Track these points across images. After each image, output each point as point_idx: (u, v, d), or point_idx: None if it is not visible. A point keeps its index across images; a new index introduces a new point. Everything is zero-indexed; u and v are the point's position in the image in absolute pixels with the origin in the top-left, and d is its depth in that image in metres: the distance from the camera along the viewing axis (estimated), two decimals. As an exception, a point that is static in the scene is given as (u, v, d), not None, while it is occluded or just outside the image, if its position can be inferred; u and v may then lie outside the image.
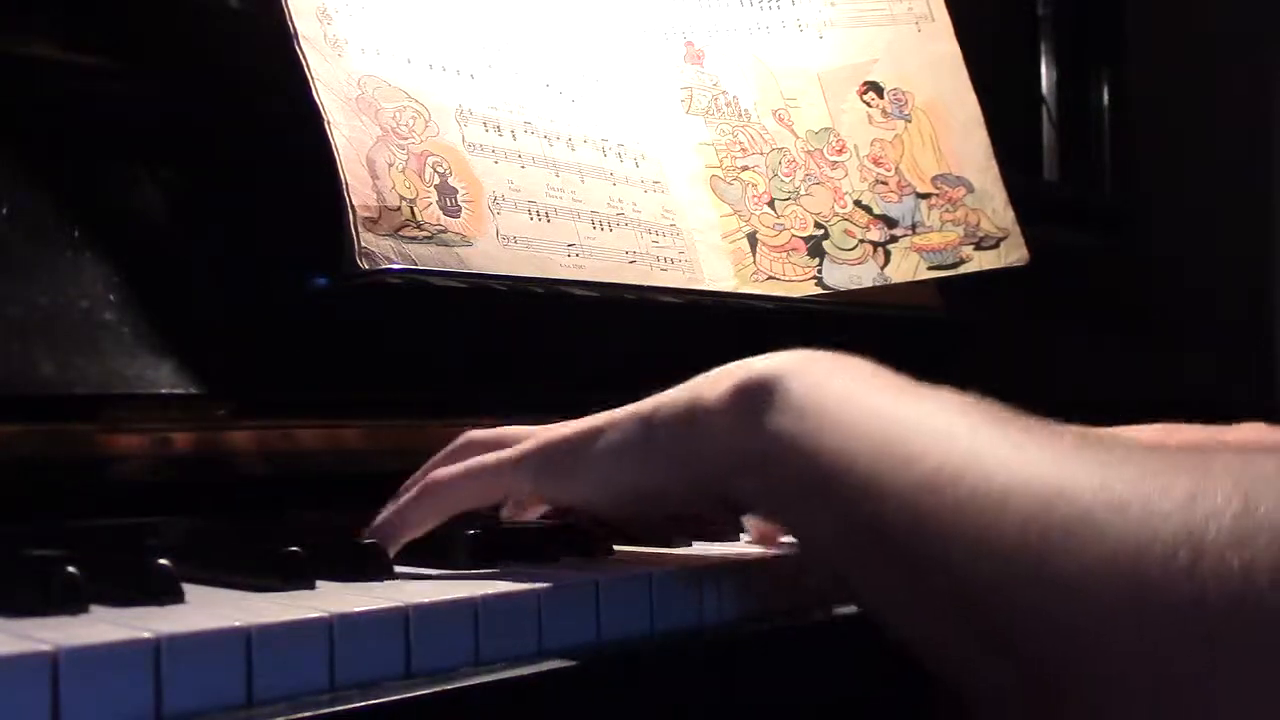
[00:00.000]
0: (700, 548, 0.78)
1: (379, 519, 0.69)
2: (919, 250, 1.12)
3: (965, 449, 0.51)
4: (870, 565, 0.54)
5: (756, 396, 0.58)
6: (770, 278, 1.05)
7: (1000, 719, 0.50)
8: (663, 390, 0.66)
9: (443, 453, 0.73)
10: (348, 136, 0.83)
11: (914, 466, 0.52)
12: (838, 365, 0.60)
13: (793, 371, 0.58)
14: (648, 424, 0.63)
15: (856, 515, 0.53)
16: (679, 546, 0.77)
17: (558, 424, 0.69)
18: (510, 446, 0.69)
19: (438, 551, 0.69)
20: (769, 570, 0.72)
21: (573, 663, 0.59)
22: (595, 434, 0.65)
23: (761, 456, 0.58)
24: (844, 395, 0.57)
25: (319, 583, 0.61)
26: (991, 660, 0.49)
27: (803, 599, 0.70)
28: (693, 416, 0.61)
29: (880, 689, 0.68)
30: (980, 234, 1.16)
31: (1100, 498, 0.47)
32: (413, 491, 0.68)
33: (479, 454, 0.69)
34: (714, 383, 0.61)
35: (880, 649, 0.57)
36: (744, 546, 0.78)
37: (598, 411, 0.68)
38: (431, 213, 0.85)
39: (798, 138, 1.12)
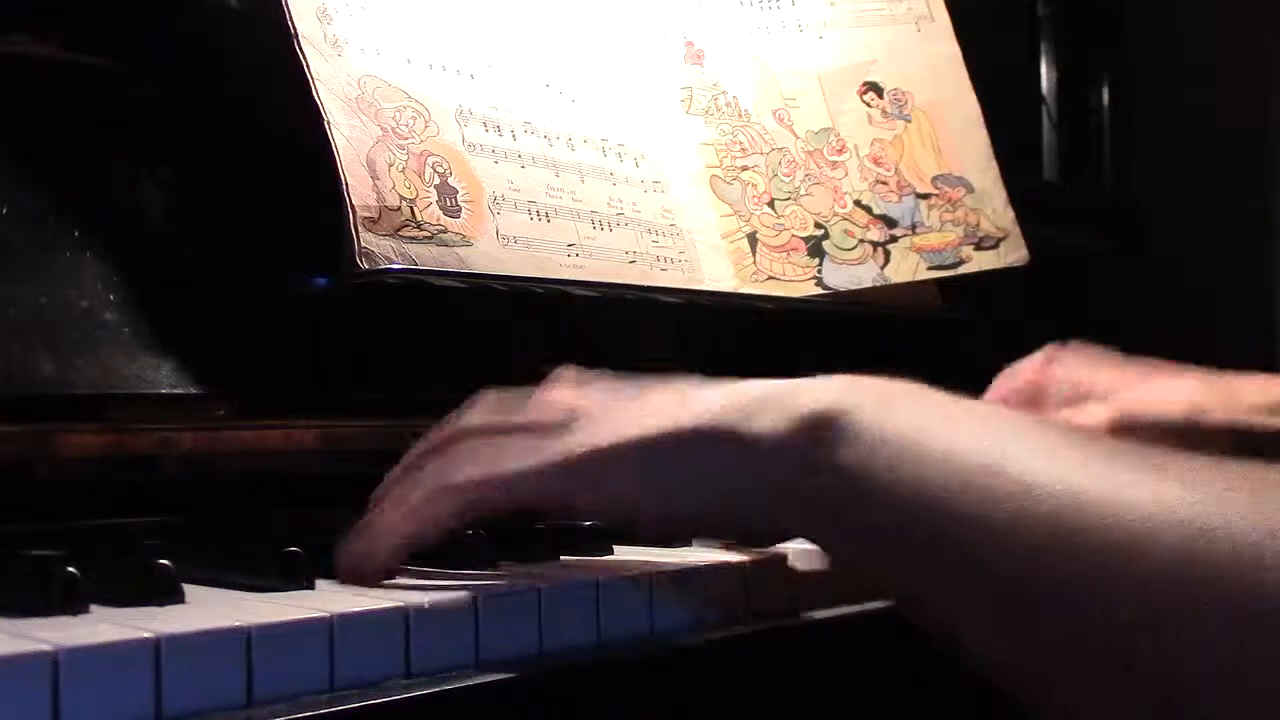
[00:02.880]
0: (699, 544, 0.78)
1: (377, 523, 0.64)
2: (919, 250, 1.12)
3: (1077, 481, 0.50)
4: (965, 601, 0.52)
5: (817, 429, 0.56)
6: (770, 278, 1.05)
7: None
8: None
9: (428, 444, 0.67)
10: (348, 136, 0.83)
11: (1022, 502, 0.50)
12: (899, 392, 0.57)
13: (856, 402, 0.56)
14: (687, 449, 0.60)
15: (952, 554, 0.52)
16: (678, 546, 0.77)
17: (579, 413, 0.64)
18: (509, 433, 0.64)
19: (438, 551, 0.69)
20: (770, 571, 0.72)
21: (572, 662, 0.59)
22: (624, 450, 0.61)
23: (828, 494, 0.56)
24: (918, 427, 0.54)
25: (319, 583, 0.61)
26: (1116, 687, 0.48)
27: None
28: (739, 447, 0.58)
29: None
30: (980, 234, 1.16)
31: (1264, 526, 0.46)
32: (424, 492, 0.63)
33: (478, 446, 0.64)
34: (759, 409, 0.58)
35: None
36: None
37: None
38: (431, 213, 0.85)
39: (798, 138, 1.12)
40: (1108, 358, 0.90)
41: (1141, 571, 0.47)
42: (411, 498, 0.64)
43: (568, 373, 0.68)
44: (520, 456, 0.63)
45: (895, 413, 0.55)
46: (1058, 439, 0.53)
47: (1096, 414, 0.84)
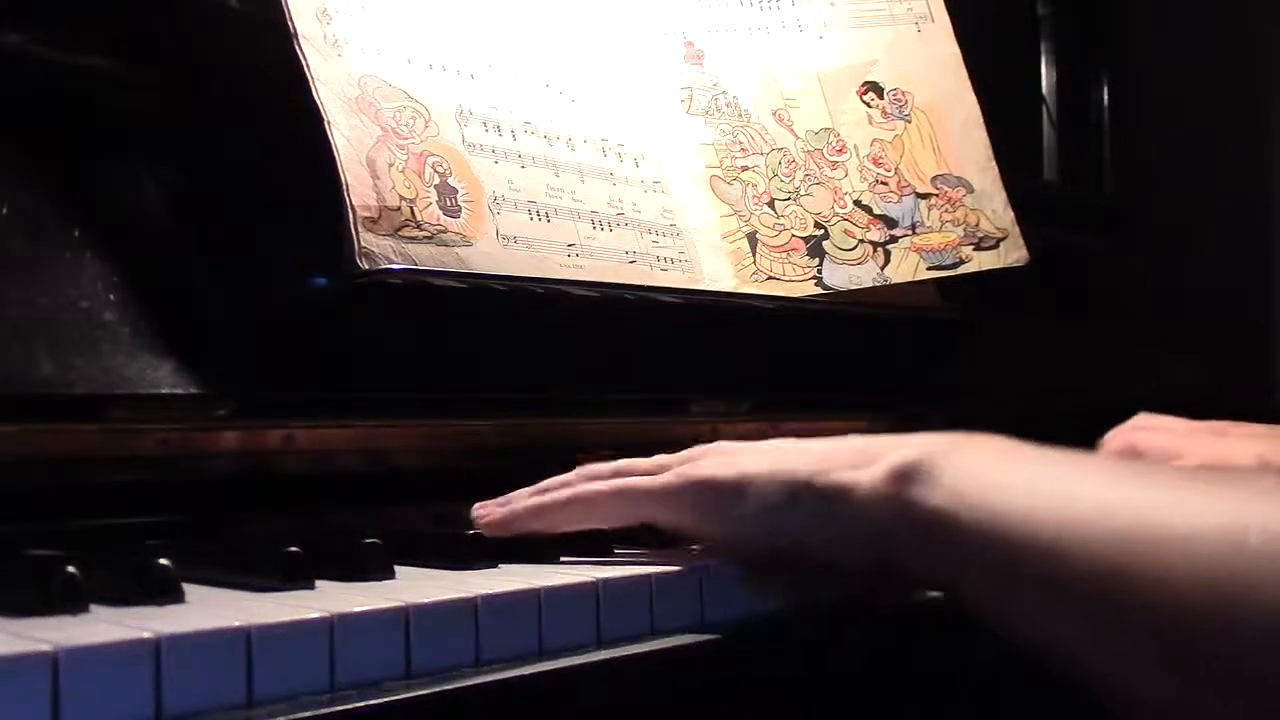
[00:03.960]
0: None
1: (519, 504, 0.74)
2: (919, 250, 1.12)
3: (1152, 503, 0.55)
4: (1059, 623, 0.57)
5: (906, 474, 0.63)
6: (770, 278, 1.05)
7: None
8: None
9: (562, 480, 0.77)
10: (348, 136, 0.83)
11: (1105, 525, 0.55)
12: (981, 441, 0.64)
13: (940, 451, 0.63)
14: (795, 494, 0.67)
15: (1041, 580, 0.57)
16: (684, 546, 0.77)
17: (701, 454, 0.73)
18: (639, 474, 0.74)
19: (438, 551, 0.70)
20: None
21: (572, 662, 0.59)
22: (742, 487, 0.69)
23: (916, 533, 0.62)
24: (999, 468, 0.61)
25: (319, 583, 0.61)
26: (1214, 697, 0.52)
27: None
28: (844, 495, 0.65)
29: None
30: (980, 234, 1.16)
31: None
32: (564, 495, 0.74)
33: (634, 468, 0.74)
34: (858, 460, 0.66)
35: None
36: None
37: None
38: (431, 213, 0.85)
39: (798, 138, 1.12)
40: (1184, 423, 1.01)
41: (1229, 578, 0.51)
42: (552, 497, 0.74)
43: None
44: (646, 479, 0.73)
45: (976, 457, 0.62)
46: (1123, 467, 0.61)
47: None
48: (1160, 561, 0.52)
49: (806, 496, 0.67)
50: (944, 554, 0.61)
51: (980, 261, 1.15)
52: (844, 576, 0.72)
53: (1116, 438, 1.00)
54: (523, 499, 0.75)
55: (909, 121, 1.17)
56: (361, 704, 0.50)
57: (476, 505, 0.76)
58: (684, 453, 0.75)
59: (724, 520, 0.70)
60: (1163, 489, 0.56)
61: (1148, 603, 0.52)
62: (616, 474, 0.74)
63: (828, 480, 0.66)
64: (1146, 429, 1.00)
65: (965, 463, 0.62)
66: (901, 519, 0.62)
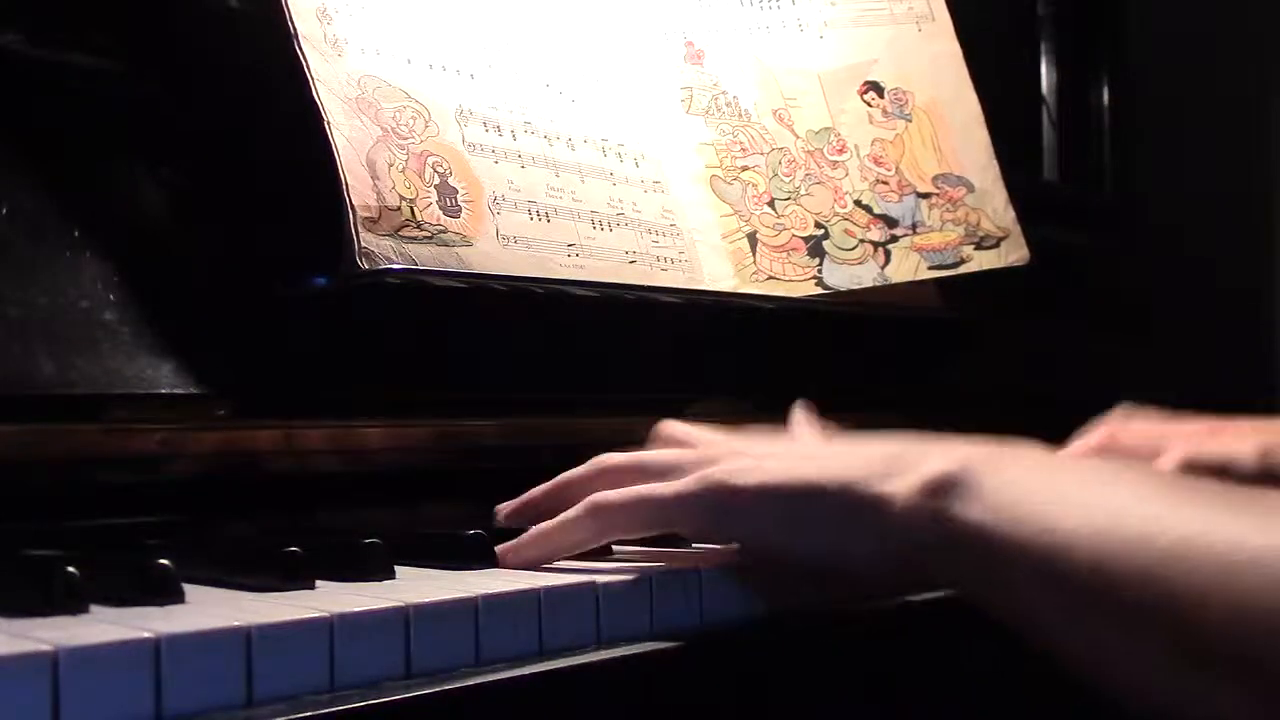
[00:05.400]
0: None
1: (535, 531, 0.70)
2: (919, 250, 1.12)
3: (1191, 523, 0.54)
4: (1099, 636, 0.56)
5: (944, 487, 0.60)
6: (770, 278, 1.05)
7: None
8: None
9: (579, 473, 0.74)
10: (348, 136, 0.83)
11: (1148, 544, 0.54)
12: (1015, 453, 0.62)
13: (978, 462, 0.60)
14: (822, 506, 0.64)
15: (1083, 595, 0.56)
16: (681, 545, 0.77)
17: (719, 454, 0.70)
18: (656, 472, 0.71)
19: (438, 551, 0.70)
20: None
21: (571, 662, 0.59)
22: (765, 495, 0.66)
23: (952, 546, 0.60)
24: (1037, 482, 0.59)
25: (319, 583, 0.61)
26: (1251, 706, 0.51)
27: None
28: (876, 508, 0.62)
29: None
30: (980, 234, 1.16)
31: None
32: (578, 510, 0.70)
33: (624, 479, 0.71)
34: (887, 469, 0.63)
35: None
36: None
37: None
38: (431, 213, 0.85)
39: (798, 138, 1.12)
40: (1175, 418, 0.97)
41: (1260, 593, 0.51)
42: (565, 514, 0.70)
43: (680, 427, 0.77)
44: (663, 486, 0.69)
45: (1016, 470, 0.60)
46: (1163, 482, 0.59)
47: (1170, 462, 0.89)
48: (1230, 584, 0.51)
49: (835, 508, 0.64)
50: (982, 569, 0.59)
51: (981, 261, 1.15)
52: (869, 587, 0.71)
53: (1100, 432, 0.96)
54: (532, 528, 0.71)
55: (909, 121, 1.17)
56: (361, 704, 0.50)
57: (500, 547, 0.71)
58: (697, 449, 0.73)
59: (742, 532, 0.68)
60: (1214, 507, 0.55)
61: (1215, 627, 0.51)
62: (635, 466, 0.72)
63: (859, 492, 0.63)
64: (1132, 419, 0.97)
65: (1005, 477, 0.60)
66: (938, 533, 0.60)
